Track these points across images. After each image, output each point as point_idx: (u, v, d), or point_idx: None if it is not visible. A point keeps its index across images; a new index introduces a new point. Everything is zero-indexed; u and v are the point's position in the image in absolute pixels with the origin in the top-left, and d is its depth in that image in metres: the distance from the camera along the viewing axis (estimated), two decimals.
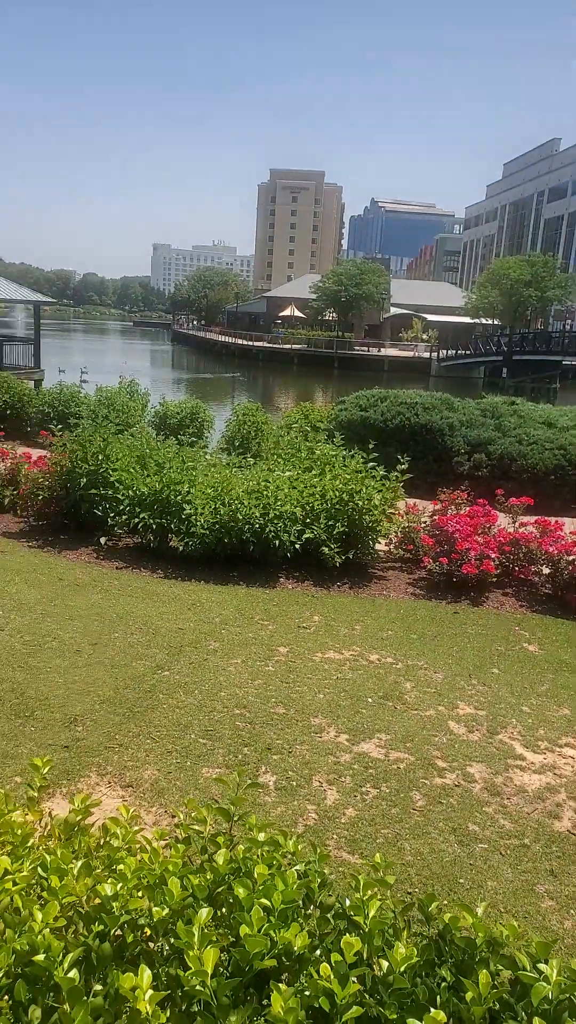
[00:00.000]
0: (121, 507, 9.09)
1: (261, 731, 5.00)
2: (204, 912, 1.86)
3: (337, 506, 8.64)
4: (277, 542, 8.24)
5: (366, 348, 75.35)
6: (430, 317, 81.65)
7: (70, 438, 10.06)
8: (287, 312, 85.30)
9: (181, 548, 8.67)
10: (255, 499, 8.46)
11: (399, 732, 5.13)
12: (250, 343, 78.56)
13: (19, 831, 2.24)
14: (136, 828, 2.36)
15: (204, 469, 9.58)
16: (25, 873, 2.07)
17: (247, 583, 8.12)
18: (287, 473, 9.40)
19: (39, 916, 1.82)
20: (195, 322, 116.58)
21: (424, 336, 78.54)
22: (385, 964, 1.81)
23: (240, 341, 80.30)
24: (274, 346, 76.13)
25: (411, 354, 73.03)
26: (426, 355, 71.05)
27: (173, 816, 4.00)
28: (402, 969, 1.78)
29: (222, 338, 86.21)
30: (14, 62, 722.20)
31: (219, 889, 2.06)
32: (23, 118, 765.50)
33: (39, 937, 1.75)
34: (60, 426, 12.27)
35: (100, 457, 9.56)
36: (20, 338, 34.59)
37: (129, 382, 18.50)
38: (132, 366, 50.22)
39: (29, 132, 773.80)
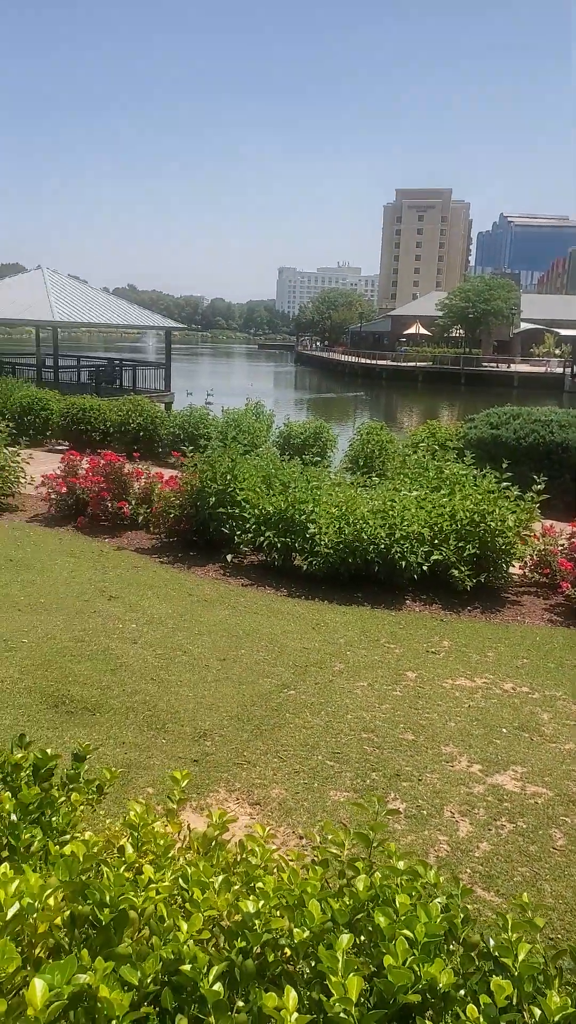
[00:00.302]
0: (247, 525, 9.28)
1: (389, 756, 4.91)
2: (345, 938, 1.83)
3: (468, 527, 8.41)
4: (403, 563, 8.12)
5: (495, 364, 73.59)
6: (563, 332, 78.82)
7: (200, 458, 10.38)
8: (412, 330, 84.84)
9: (305, 567, 8.73)
10: (380, 519, 8.40)
11: (536, 765, 4.90)
12: (373, 362, 78.59)
13: (161, 842, 2.30)
14: (273, 847, 2.36)
15: (328, 488, 9.62)
16: (167, 883, 2.12)
17: (372, 604, 8.05)
18: (414, 493, 9.28)
19: (184, 926, 1.85)
20: (318, 343, 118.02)
21: (557, 351, 75.83)
22: (537, 1012, 1.71)
23: (363, 360, 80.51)
24: (398, 364, 75.82)
25: (543, 370, 70.68)
26: (559, 370, 68.54)
27: (301, 837, 3.99)
28: (556, 1019, 1.68)
29: (345, 357, 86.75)
30: (141, 105, 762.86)
31: (358, 916, 2.03)
32: (156, 155, 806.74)
33: (185, 947, 1.78)
34: (191, 447, 12.70)
35: (228, 477, 9.81)
36: (152, 363, 36.29)
37: (255, 404, 18.92)
38: (257, 388, 51.44)
39: (174, 167, 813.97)
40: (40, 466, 12.65)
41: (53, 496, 11.23)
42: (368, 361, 79.63)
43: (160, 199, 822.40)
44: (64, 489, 11.16)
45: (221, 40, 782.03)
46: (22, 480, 12.16)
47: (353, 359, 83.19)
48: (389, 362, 77.30)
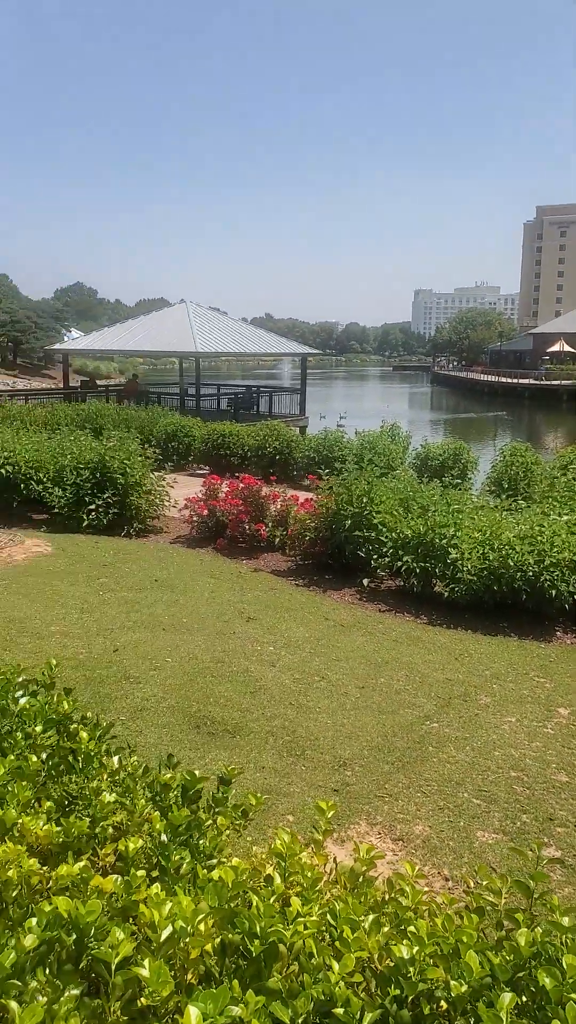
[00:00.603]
0: (384, 549, 9.16)
1: (541, 798, 4.63)
2: (508, 997, 1.71)
3: None
4: (553, 592, 7.72)
5: None
6: None
7: (335, 481, 10.40)
8: (556, 347, 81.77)
9: (446, 594, 8.48)
10: (528, 544, 8.04)
11: None
12: (514, 381, 76.29)
13: (309, 874, 2.25)
14: (423, 888, 2.26)
15: (470, 512, 9.34)
16: (315, 918, 2.07)
17: (519, 635, 7.69)
18: (564, 517, 8.83)
19: (335, 966, 1.80)
20: (455, 363, 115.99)
21: None
22: None
23: (503, 379, 78.31)
24: (541, 382, 73.14)
25: None
26: None
27: (447, 879, 3.82)
28: None
29: (484, 377, 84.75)
30: (263, 128, 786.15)
31: (520, 974, 1.89)
32: (293, 186, 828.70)
33: (336, 988, 1.72)
34: (326, 470, 12.77)
35: (364, 500, 9.76)
36: (287, 388, 37.09)
37: (391, 425, 18.83)
38: (391, 409, 51.20)
39: (297, 196, 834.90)
40: (183, 490, 13.16)
41: (195, 518, 11.62)
42: (509, 380, 77.36)
43: (297, 229, 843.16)
44: (205, 512, 11.52)
45: (350, 65, 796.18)
46: (167, 503, 12.71)
47: (493, 378, 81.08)
48: (531, 381, 74.73)
